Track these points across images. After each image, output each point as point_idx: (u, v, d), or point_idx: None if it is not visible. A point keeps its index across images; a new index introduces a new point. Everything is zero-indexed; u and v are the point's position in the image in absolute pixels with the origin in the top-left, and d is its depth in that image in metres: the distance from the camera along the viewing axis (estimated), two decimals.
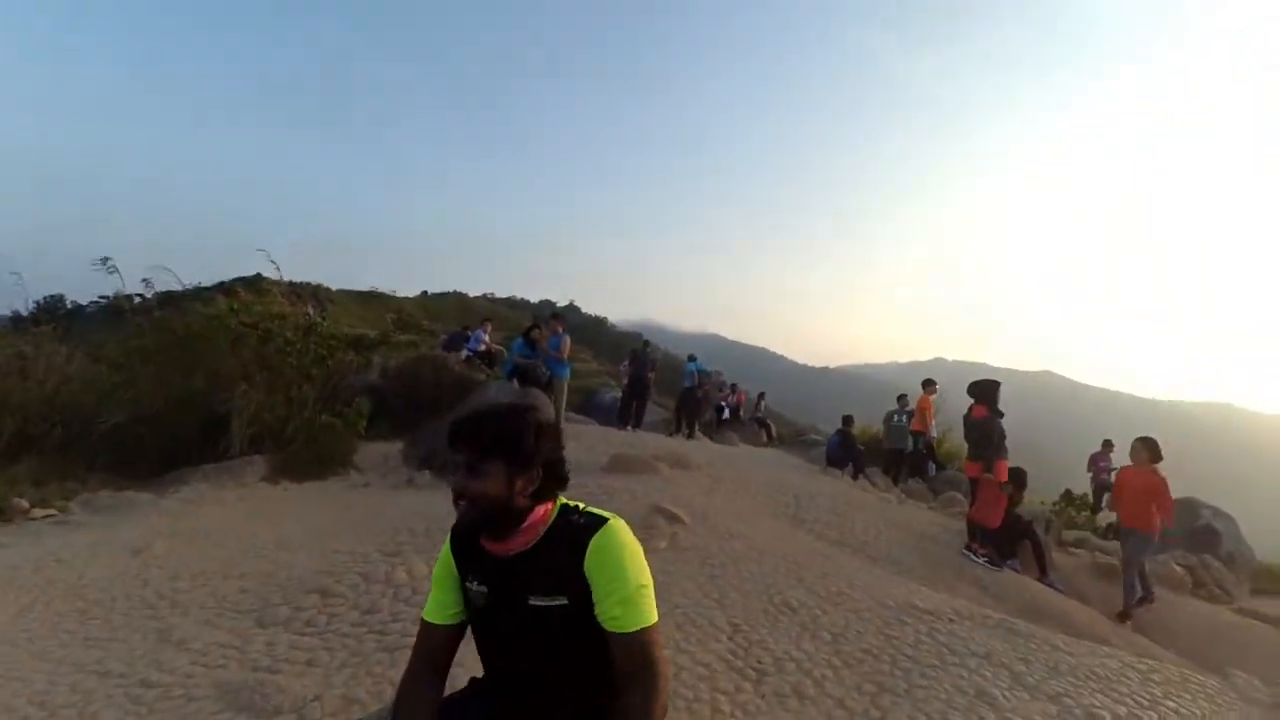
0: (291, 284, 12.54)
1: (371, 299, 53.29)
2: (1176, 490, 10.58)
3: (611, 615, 1.30)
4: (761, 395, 17.61)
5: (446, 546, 1.49)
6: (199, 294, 9.13)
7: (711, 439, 12.93)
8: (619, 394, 14.45)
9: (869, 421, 13.66)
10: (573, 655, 1.35)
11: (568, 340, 9.33)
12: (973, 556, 6.12)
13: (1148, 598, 6.22)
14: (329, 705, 2.45)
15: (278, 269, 9.05)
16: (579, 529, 1.36)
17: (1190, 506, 10.37)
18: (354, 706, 2.44)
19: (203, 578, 3.73)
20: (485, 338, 12.41)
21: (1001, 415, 6.43)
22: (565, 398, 9.54)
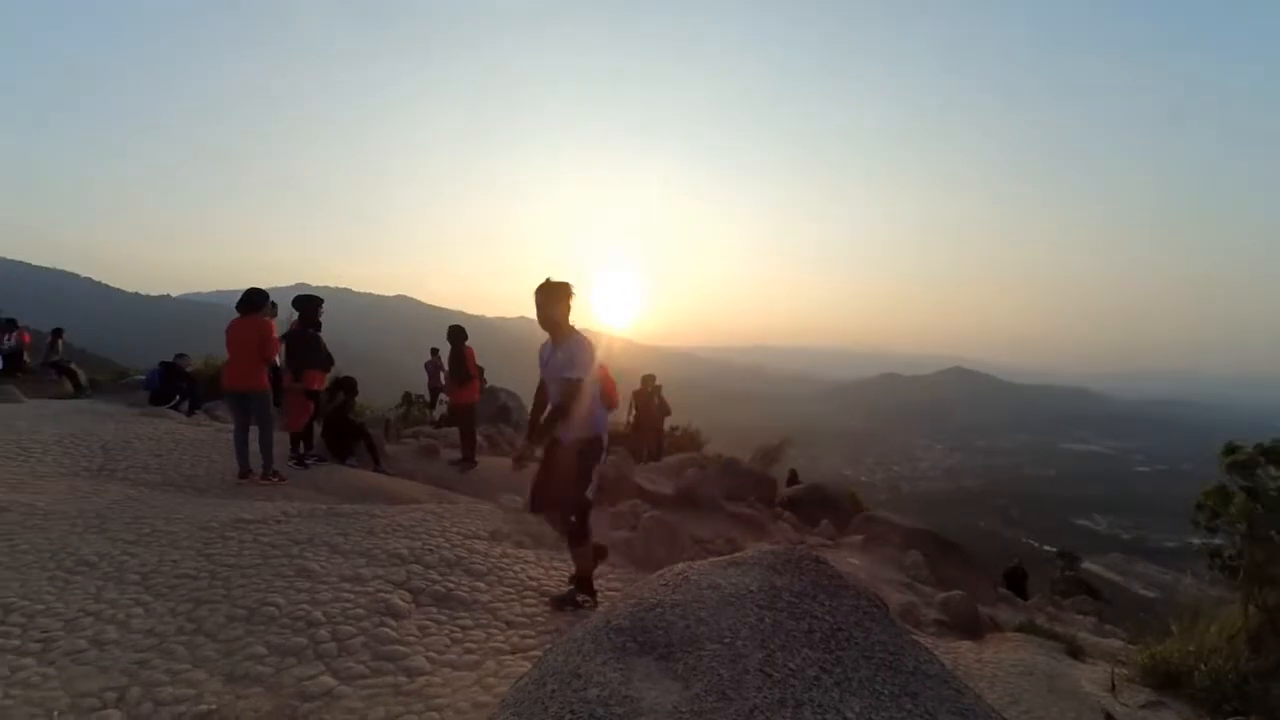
0: None
1: None
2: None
3: None
4: (58, 333, 13.61)
5: None
6: None
7: None
8: None
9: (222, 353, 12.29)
10: None
11: None
12: (296, 463, 6.38)
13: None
14: None
15: None
16: None
17: (493, 392, 13.74)
18: None
19: None
20: None
21: (318, 329, 6.47)
22: None
